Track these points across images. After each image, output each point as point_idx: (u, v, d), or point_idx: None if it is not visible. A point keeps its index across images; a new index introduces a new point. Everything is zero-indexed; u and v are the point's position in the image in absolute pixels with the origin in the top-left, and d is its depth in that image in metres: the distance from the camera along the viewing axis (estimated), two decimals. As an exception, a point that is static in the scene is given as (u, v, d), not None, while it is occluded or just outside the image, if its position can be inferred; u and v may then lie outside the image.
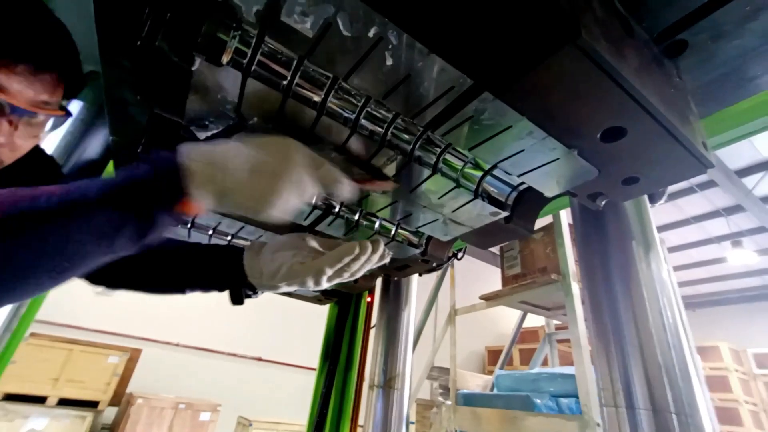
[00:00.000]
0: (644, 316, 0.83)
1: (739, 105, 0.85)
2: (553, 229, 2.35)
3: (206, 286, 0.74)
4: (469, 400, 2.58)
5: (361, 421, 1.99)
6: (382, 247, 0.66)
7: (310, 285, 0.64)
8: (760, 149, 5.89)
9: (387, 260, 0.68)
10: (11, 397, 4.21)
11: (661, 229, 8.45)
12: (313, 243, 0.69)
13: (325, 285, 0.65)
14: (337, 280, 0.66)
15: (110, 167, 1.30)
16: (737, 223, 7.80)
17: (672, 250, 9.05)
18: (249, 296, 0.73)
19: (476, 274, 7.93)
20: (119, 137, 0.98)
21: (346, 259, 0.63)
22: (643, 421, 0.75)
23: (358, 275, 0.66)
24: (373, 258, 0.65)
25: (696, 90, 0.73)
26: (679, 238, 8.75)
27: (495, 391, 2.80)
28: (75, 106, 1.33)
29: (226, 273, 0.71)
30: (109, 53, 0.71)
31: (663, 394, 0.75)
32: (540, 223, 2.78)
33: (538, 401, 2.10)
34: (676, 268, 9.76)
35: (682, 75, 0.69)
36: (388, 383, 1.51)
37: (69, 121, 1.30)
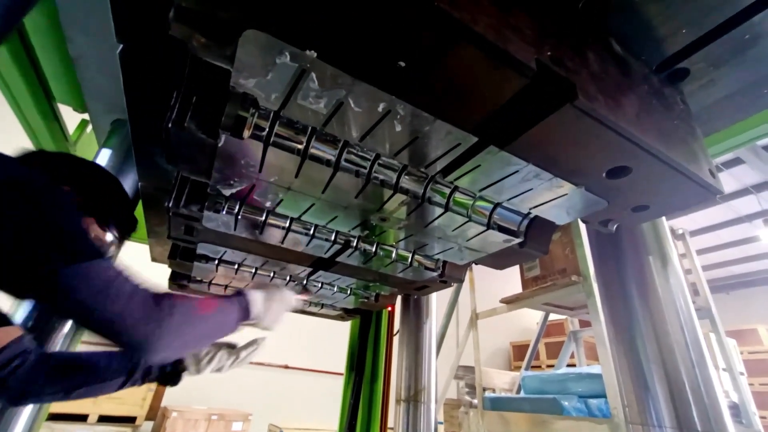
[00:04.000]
0: (665, 333, 0.84)
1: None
2: (571, 230, 2.33)
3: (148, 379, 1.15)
4: (497, 404, 2.59)
5: (390, 424, 2.03)
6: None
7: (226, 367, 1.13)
8: (787, 123, 5.62)
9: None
10: (55, 417, 4.43)
11: (686, 211, 8.17)
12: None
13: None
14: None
15: (140, 207, 1.38)
16: (768, 200, 7.48)
17: (700, 231, 8.73)
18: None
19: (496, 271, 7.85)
20: (147, 183, 1.05)
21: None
22: (669, 439, 0.76)
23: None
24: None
25: (702, 111, 0.74)
26: (706, 219, 8.43)
27: (522, 393, 2.79)
28: (105, 154, 1.42)
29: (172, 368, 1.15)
30: (138, 118, 0.78)
31: (689, 412, 0.76)
32: (556, 223, 2.74)
33: (566, 404, 2.09)
34: (706, 250, 9.39)
35: (687, 99, 0.70)
36: (414, 397, 1.55)
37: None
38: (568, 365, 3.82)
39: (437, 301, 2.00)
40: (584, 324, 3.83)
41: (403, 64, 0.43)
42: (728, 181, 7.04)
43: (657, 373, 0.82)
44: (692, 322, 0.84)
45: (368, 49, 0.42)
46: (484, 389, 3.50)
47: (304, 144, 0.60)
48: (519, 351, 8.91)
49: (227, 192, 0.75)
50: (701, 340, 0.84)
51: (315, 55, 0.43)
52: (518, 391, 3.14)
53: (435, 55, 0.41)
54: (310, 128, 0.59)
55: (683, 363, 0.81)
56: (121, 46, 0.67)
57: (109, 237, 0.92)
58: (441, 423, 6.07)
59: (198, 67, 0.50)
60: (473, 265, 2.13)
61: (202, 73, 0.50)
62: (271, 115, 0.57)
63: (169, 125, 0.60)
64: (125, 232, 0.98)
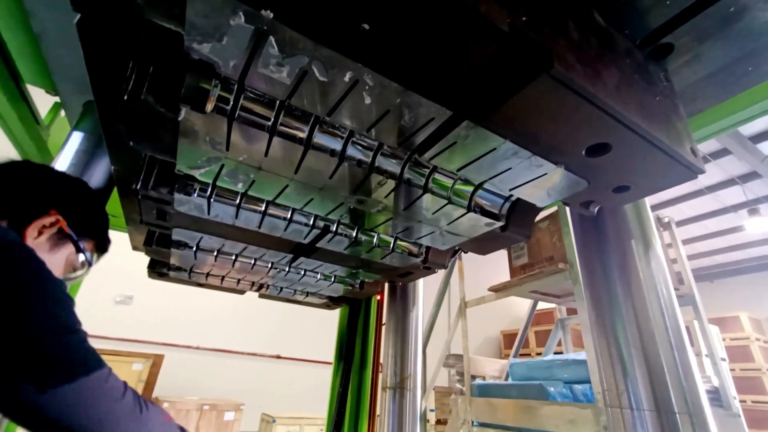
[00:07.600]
0: (646, 317, 0.83)
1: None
2: (558, 218, 2.33)
3: None
4: (484, 390, 2.62)
5: (378, 411, 2.04)
6: None
7: None
8: (774, 114, 5.69)
9: None
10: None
11: (674, 201, 8.28)
12: None
13: None
14: None
15: (115, 193, 1.33)
16: (753, 191, 7.60)
17: (687, 221, 8.88)
18: None
19: (485, 258, 7.91)
20: (120, 166, 1.01)
21: None
22: (648, 422, 0.76)
23: None
24: None
25: (686, 89, 0.72)
26: (693, 209, 8.57)
27: (510, 380, 2.83)
28: (76, 138, 1.36)
29: None
30: (102, 93, 0.73)
31: (666, 394, 0.76)
32: (545, 212, 2.74)
33: (552, 389, 2.11)
34: (692, 240, 9.57)
35: (670, 76, 0.68)
36: (400, 384, 1.54)
37: (71, 153, 1.33)
38: (556, 352, 3.88)
39: (427, 290, 2.00)
40: (571, 312, 3.88)
41: (366, 26, 0.40)
42: (715, 171, 7.13)
43: (636, 356, 0.81)
44: (673, 306, 0.84)
45: (328, 9, 0.39)
46: (475, 377, 3.54)
47: (272, 119, 0.57)
48: (509, 339, 9.05)
49: (195, 173, 0.72)
50: (681, 324, 0.84)
51: (271, 15, 0.39)
52: (506, 379, 3.18)
53: (400, 15, 0.38)
54: (278, 102, 0.56)
55: (662, 347, 0.81)
56: (78, 15, 0.62)
57: (87, 257, 0.86)
58: (432, 410, 6.16)
59: (149, 31, 0.46)
60: (462, 254, 2.11)
61: (154, 38, 0.46)
62: (235, 87, 0.53)
63: (125, 98, 0.56)
64: (104, 247, 0.95)
